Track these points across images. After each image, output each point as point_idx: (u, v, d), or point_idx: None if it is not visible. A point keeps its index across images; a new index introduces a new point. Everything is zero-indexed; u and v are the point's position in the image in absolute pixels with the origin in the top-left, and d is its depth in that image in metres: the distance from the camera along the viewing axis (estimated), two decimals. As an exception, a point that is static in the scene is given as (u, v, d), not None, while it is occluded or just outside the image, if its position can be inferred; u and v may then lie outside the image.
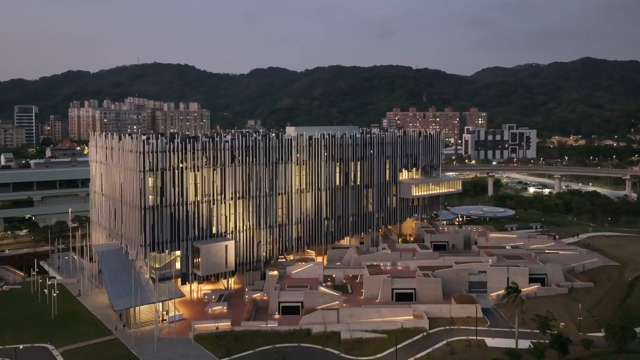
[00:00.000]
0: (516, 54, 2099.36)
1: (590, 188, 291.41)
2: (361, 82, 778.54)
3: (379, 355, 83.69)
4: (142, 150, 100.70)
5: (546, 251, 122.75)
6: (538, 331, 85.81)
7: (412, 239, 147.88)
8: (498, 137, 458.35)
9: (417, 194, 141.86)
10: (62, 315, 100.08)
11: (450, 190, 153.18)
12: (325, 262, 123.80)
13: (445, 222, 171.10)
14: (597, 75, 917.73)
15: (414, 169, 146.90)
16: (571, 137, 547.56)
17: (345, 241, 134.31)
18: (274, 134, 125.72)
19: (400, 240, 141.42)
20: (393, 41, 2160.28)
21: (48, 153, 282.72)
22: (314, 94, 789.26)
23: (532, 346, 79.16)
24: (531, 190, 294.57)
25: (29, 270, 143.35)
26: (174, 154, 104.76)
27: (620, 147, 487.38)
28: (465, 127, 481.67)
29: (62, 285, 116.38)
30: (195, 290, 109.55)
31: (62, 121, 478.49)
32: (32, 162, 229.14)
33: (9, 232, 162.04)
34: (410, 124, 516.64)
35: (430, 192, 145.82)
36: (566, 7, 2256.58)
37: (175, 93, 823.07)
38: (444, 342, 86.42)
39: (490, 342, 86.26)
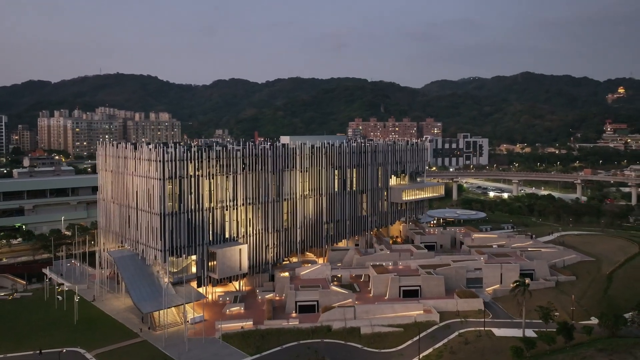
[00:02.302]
0: (460, 67, 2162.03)
1: (543, 192, 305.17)
2: (322, 93, 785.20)
3: (399, 347, 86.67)
4: (162, 159, 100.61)
5: (529, 249, 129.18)
6: (538, 321, 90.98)
7: (400, 240, 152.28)
8: (454, 146, 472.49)
9: (406, 198, 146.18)
10: (83, 320, 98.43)
11: (434, 194, 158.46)
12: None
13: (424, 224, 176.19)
14: (536, 88, 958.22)
15: (402, 175, 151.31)
16: (518, 146, 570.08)
17: (343, 243, 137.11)
18: (280, 144, 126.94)
19: (390, 242, 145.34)
20: (346, 55, 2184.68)
21: (26, 162, 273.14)
22: (276, 104, 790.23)
23: (536, 334, 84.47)
24: (491, 194, 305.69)
25: (30, 278, 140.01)
26: (190, 163, 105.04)
27: (562, 154, 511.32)
28: (425, 136, 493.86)
29: (73, 291, 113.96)
30: (209, 292, 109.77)
31: (31, 130, 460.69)
32: (15, 171, 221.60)
33: (3, 240, 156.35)
34: (372, 133, 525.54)
35: (418, 197, 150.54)
36: (503, 24, 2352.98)
37: (140, 103, 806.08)
38: (456, 333, 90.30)
39: (497, 332, 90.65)
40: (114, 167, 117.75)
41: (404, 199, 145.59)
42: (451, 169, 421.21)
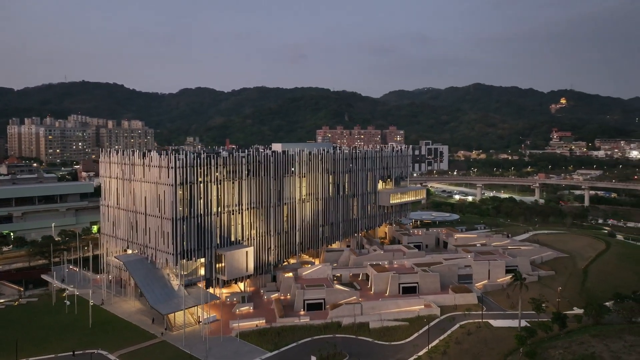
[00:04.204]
0: (415, 79, 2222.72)
1: (503, 195, 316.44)
2: (288, 102, 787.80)
3: (408, 340, 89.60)
4: (174, 166, 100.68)
5: (509, 247, 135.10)
6: (529, 312, 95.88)
7: (387, 241, 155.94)
8: (417, 152, 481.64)
9: (393, 201, 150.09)
10: (97, 323, 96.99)
11: (417, 198, 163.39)
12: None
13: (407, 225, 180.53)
14: (487, 98, 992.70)
15: (387, 180, 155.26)
16: (474, 152, 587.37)
17: (336, 245, 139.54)
18: (280, 151, 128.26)
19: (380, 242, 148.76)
20: (306, 65, 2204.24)
21: (3, 170, 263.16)
22: (244, 112, 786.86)
23: (529, 324, 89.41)
24: (456, 197, 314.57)
25: (27, 285, 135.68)
26: (200, 169, 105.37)
27: (515, 160, 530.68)
28: (390, 143, 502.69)
29: (78, 296, 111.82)
30: (217, 293, 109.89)
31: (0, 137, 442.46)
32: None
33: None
34: (339, 141, 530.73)
35: (403, 200, 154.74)
36: (453, 39, 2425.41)
37: (107, 111, 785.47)
38: (458, 325, 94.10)
39: (494, 323, 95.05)
40: (119, 174, 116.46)
41: (391, 202, 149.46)
42: (414, 174, 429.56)
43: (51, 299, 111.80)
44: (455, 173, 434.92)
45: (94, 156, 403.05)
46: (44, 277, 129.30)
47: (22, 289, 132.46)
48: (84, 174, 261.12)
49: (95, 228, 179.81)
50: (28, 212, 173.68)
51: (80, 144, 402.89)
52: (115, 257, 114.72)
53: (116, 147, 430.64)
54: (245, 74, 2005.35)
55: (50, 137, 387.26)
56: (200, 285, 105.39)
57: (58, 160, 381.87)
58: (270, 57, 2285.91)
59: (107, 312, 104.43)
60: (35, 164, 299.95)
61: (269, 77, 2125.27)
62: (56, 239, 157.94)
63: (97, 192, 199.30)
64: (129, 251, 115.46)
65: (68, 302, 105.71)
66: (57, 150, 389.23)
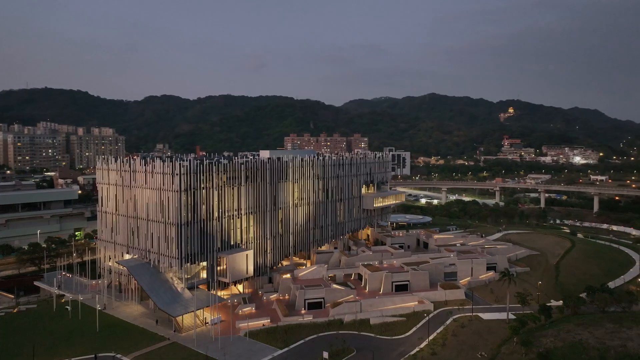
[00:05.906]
0: (373, 88, 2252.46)
1: (465, 198, 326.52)
2: (254, 110, 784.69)
3: (408, 334, 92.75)
4: (178, 172, 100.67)
5: (486, 246, 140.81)
6: (512, 305, 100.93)
7: (370, 243, 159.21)
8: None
9: (377, 205, 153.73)
10: (104, 328, 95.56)
11: (397, 201, 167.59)
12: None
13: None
14: (442, 107, 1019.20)
15: (370, 184, 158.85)
16: (433, 158, 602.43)
17: (326, 247, 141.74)
18: (275, 157, 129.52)
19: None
20: (268, 74, 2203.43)
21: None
22: (211, 120, 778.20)
23: (515, 316, 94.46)
24: (423, 200, 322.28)
25: (18, 292, 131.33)
26: (202, 175, 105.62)
27: (470, 165, 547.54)
28: (355, 150, 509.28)
29: (76, 301, 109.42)
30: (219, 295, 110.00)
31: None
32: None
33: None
34: (306, 147, 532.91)
35: (385, 204, 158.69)
36: (406, 50, 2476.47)
37: (71, 118, 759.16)
38: (451, 319, 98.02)
39: (484, 316, 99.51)
40: (118, 181, 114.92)
41: (375, 205, 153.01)
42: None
43: (50, 305, 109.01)
44: (417, 178, 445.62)
45: (64, 163, 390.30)
46: (37, 284, 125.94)
47: (13, 297, 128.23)
48: (60, 180, 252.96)
49: (79, 234, 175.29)
50: (12, 219, 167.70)
51: (50, 150, 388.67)
52: (117, 262, 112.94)
53: (87, 153, 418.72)
54: (209, 81, 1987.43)
55: (19, 144, 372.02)
56: (202, 287, 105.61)
57: (27, 168, 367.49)
58: (232, 66, 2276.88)
59: (112, 316, 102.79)
60: (9, 171, 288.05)
61: (233, 85, 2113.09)
62: (42, 246, 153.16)
63: (81, 198, 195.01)
64: (127, 256, 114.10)
65: (69, 308, 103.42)
66: (27, 157, 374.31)
